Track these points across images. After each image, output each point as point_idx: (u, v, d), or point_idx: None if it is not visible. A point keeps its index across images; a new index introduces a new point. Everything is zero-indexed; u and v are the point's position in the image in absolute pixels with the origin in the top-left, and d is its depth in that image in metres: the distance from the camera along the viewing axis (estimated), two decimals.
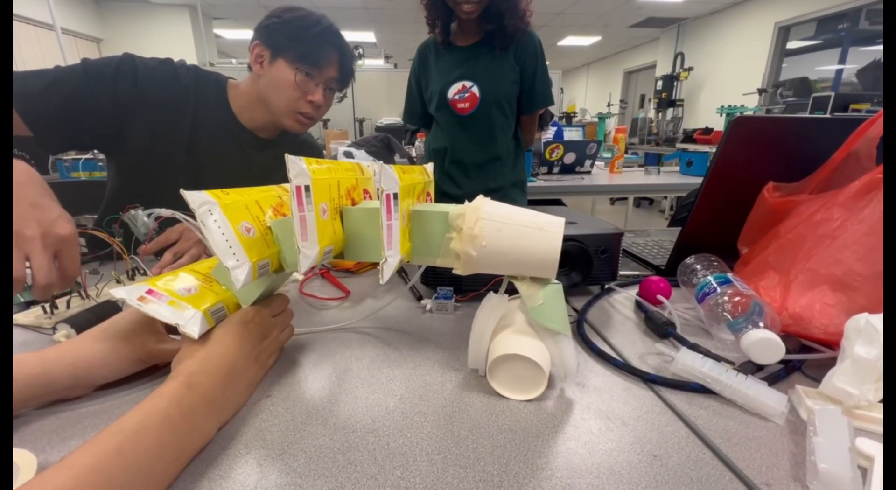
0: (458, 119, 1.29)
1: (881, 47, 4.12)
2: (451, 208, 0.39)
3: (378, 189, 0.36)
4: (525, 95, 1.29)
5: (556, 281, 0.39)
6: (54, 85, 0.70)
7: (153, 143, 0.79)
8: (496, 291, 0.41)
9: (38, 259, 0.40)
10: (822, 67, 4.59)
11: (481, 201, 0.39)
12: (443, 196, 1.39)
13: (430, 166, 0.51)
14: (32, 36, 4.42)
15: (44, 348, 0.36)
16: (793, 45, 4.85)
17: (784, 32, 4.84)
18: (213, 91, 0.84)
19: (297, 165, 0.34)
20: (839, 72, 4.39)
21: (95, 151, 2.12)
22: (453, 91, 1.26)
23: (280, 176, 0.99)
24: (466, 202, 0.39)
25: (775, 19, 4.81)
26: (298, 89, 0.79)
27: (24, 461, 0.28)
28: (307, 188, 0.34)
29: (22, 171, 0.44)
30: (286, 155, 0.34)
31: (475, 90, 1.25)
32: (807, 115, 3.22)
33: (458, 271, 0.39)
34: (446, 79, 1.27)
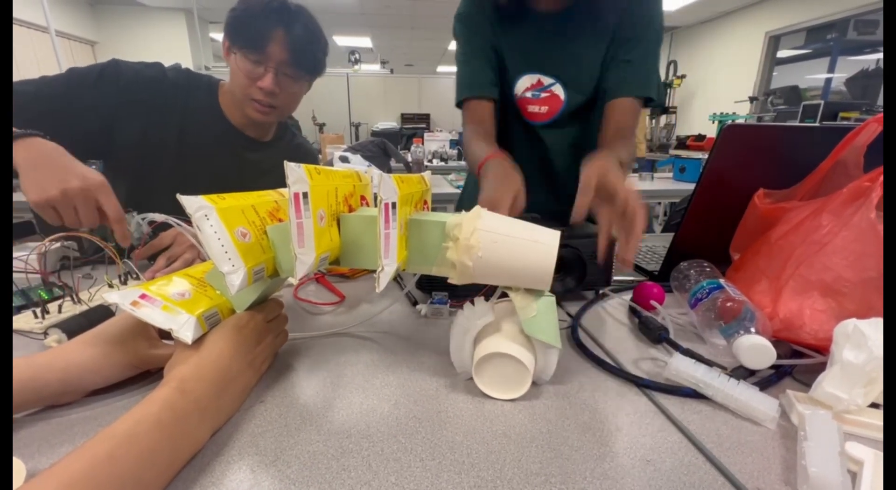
0: (526, 129, 0.85)
1: (869, 57, 4.18)
2: (448, 218, 0.39)
3: (377, 197, 0.36)
4: (625, 77, 0.75)
5: (550, 293, 0.39)
6: (36, 96, 0.71)
7: (143, 144, 0.80)
8: (489, 297, 0.42)
9: (84, 209, 0.55)
10: (812, 76, 4.67)
11: (478, 212, 0.39)
12: None
13: (427, 174, 0.51)
14: (27, 39, 4.39)
15: (34, 354, 0.35)
16: (783, 53, 4.93)
17: (774, 41, 4.93)
18: (203, 91, 0.85)
19: (295, 172, 0.34)
20: (828, 80, 4.47)
21: None
22: (523, 86, 0.81)
23: (271, 178, 0.99)
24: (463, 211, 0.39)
25: (766, 29, 4.89)
26: (247, 77, 0.78)
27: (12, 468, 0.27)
28: (305, 195, 0.34)
29: (42, 142, 0.57)
30: (285, 162, 0.34)
31: (557, 89, 0.80)
32: (797, 122, 3.28)
33: (453, 280, 0.39)
34: (513, 66, 0.80)
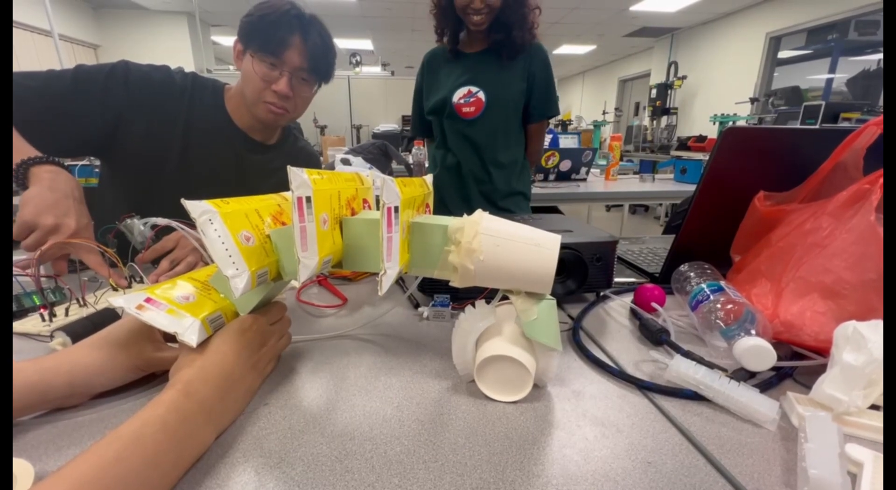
0: (462, 124, 1.30)
1: (870, 57, 4.18)
2: (450, 221, 0.40)
3: (379, 201, 0.37)
4: (535, 105, 1.30)
5: (551, 297, 0.39)
6: (42, 89, 0.71)
7: (146, 145, 0.80)
8: (490, 300, 0.42)
9: (53, 251, 0.55)
10: (813, 76, 4.66)
11: (480, 216, 0.39)
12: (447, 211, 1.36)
13: (429, 178, 0.51)
14: (30, 42, 4.42)
15: (40, 357, 0.36)
16: (784, 54, 4.93)
17: (775, 42, 4.93)
18: (209, 94, 0.85)
19: (299, 176, 0.34)
20: (829, 81, 4.47)
21: (91, 158, 2.11)
22: (458, 95, 1.27)
23: (275, 181, 0.99)
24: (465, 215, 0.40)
25: (766, 29, 4.89)
26: (262, 80, 0.79)
27: (21, 471, 0.28)
28: (308, 199, 0.35)
29: (70, 176, 0.61)
30: (289, 166, 0.34)
31: (481, 95, 1.25)
32: (798, 124, 3.27)
33: (455, 284, 0.39)
34: (453, 84, 1.28)
